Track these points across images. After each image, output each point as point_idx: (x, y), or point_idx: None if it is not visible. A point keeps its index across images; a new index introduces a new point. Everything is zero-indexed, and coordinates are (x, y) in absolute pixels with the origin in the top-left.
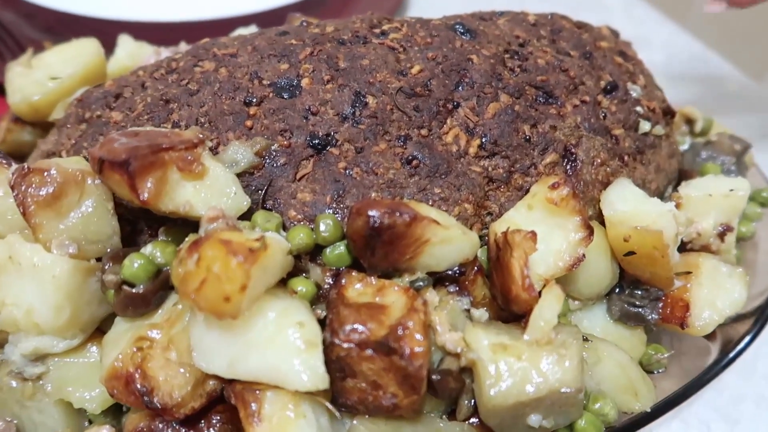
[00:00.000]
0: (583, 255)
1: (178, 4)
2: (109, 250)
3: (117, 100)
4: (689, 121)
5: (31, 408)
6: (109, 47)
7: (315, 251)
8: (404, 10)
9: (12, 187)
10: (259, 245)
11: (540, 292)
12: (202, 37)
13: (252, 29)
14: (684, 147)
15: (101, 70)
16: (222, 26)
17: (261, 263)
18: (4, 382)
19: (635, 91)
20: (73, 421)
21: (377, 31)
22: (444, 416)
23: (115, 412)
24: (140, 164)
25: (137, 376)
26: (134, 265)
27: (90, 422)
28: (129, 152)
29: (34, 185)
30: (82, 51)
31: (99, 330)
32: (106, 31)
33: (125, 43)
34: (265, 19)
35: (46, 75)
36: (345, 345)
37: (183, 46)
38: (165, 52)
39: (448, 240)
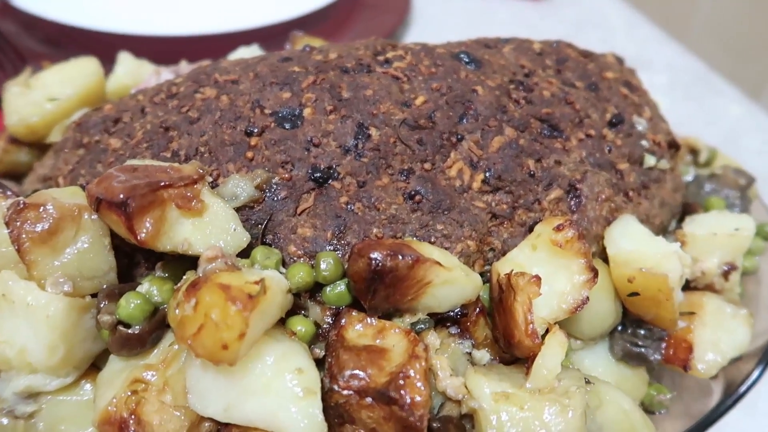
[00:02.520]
0: (587, 298)
1: (180, 19)
2: (105, 286)
3: (116, 125)
4: (693, 152)
5: None
6: (109, 59)
7: (314, 288)
8: (407, 26)
9: (7, 224)
10: (258, 289)
11: (543, 337)
12: (203, 51)
13: (254, 49)
14: (688, 178)
15: (100, 90)
16: (223, 41)
17: (260, 308)
18: None
19: (641, 124)
20: None
21: (381, 58)
22: None
23: None
24: (138, 204)
25: (131, 422)
26: (130, 305)
27: None
28: (127, 192)
29: (29, 221)
30: (81, 71)
31: (93, 366)
32: (107, 43)
33: (125, 61)
34: (267, 34)
35: (44, 96)
36: (344, 392)
37: (184, 65)
38: (165, 73)
39: (450, 281)
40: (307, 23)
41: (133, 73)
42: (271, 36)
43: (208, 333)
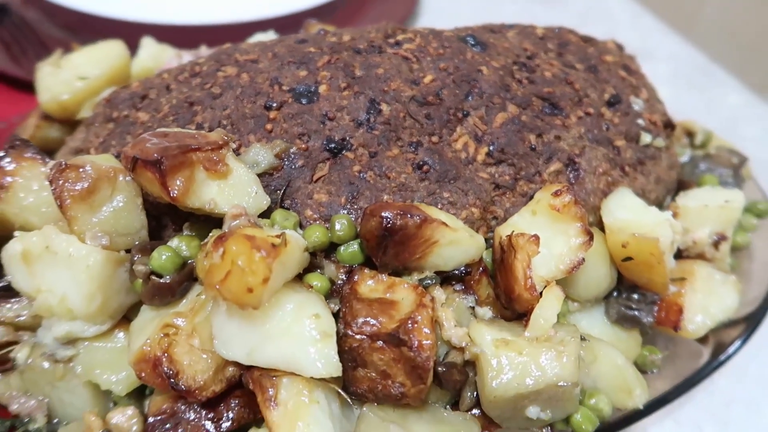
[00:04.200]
0: (583, 259)
1: (198, 8)
2: (137, 242)
3: (143, 101)
4: (689, 134)
5: (61, 388)
6: (128, 47)
7: (329, 249)
8: (416, 17)
9: (50, 182)
10: (280, 241)
11: (541, 293)
12: (221, 41)
13: (270, 35)
14: (684, 159)
15: (126, 71)
16: (240, 30)
17: (281, 258)
18: (36, 364)
19: (637, 104)
20: (99, 402)
21: (392, 41)
22: (448, 407)
23: (138, 396)
24: (171, 163)
25: (164, 359)
26: (162, 257)
27: (114, 404)
28: (161, 152)
29: (70, 180)
30: (109, 52)
31: (125, 318)
32: (125, 32)
33: (148, 45)
34: (282, 23)
35: (74, 75)
36: (357, 336)
37: (204, 50)
38: (186, 56)
39: (455, 242)
40: (319, 14)
41: (155, 56)
42: (284, 27)
43: (235, 278)
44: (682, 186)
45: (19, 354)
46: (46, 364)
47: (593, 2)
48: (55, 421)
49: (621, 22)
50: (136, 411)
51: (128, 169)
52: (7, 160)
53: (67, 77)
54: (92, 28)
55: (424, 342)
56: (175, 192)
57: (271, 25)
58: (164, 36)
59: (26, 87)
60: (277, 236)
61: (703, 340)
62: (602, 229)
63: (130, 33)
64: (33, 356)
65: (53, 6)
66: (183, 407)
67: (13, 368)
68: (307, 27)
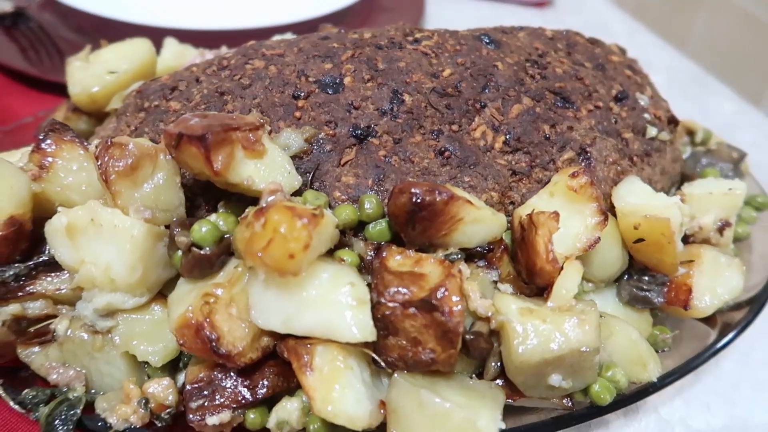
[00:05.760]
0: (599, 238)
1: (214, 14)
2: (174, 218)
3: (173, 92)
4: (690, 133)
5: (99, 359)
6: None
7: (358, 228)
8: (422, 25)
9: (96, 157)
10: (318, 212)
11: (562, 266)
12: (235, 46)
13: (288, 36)
14: (685, 155)
15: (152, 67)
16: (256, 35)
17: (320, 227)
18: (76, 335)
19: (643, 100)
20: (136, 373)
21: (410, 38)
22: (473, 376)
23: (171, 369)
24: (214, 139)
25: (206, 324)
26: (203, 229)
27: (148, 377)
28: (205, 129)
29: (115, 157)
30: (137, 49)
31: (160, 293)
32: (142, 36)
33: (170, 45)
34: (298, 29)
35: (104, 69)
36: (390, 304)
37: (225, 50)
38: (209, 55)
39: (479, 219)
40: (329, 21)
41: (178, 55)
42: (303, 31)
43: (277, 245)
44: (685, 179)
45: (59, 326)
46: (85, 336)
47: (591, 17)
48: (92, 391)
49: (618, 37)
50: (171, 381)
51: (171, 146)
52: (48, 141)
53: (97, 71)
54: (104, 32)
55: (455, 308)
56: (219, 165)
57: (287, 31)
58: (180, 40)
59: (41, 86)
60: (314, 208)
61: (710, 322)
62: (613, 215)
63: (149, 37)
64: (72, 328)
65: (69, 9)
66: (219, 375)
67: (52, 340)
68: (323, 30)
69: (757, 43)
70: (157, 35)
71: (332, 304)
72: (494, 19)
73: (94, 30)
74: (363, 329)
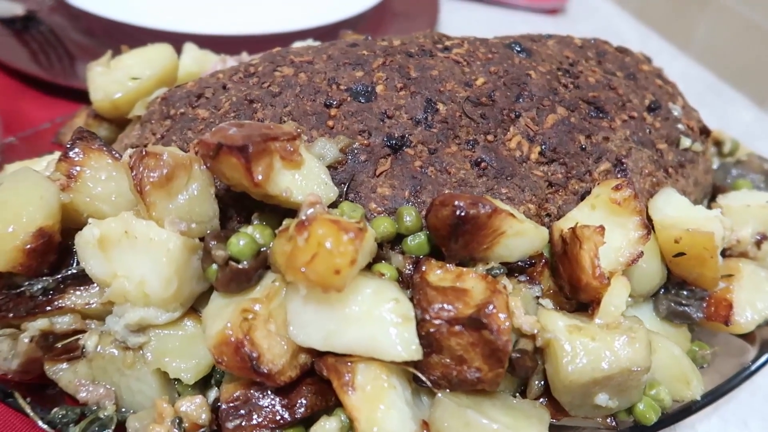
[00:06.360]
0: (641, 252)
1: (232, 19)
2: (208, 231)
3: (199, 99)
4: (717, 143)
5: (130, 376)
6: None
7: (395, 241)
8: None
9: (131, 168)
10: (362, 226)
11: (609, 281)
12: (255, 52)
13: (309, 42)
14: (714, 166)
15: (174, 73)
16: (276, 41)
17: (365, 242)
18: (106, 351)
19: (676, 110)
20: (167, 391)
21: (440, 46)
22: (517, 395)
23: (202, 387)
24: (255, 150)
25: (246, 342)
26: (240, 242)
27: (178, 395)
28: (245, 139)
29: (149, 167)
30: (159, 54)
31: (191, 308)
32: (155, 40)
33: (190, 50)
34: (316, 34)
35: (126, 75)
36: (435, 321)
37: (245, 56)
38: (230, 61)
39: (521, 233)
40: (346, 27)
41: (199, 61)
42: (322, 36)
43: (322, 260)
44: (715, 191)
45: (89, 342)
46: (116, 352)
47: (603, 24)
48: (123, 410)
49: (630, 44)
50: (203, 400)
51: (209, 156)
52: (76, 150)
53: (119, 77)
54: (115, 36)
55: (503, 326)
56: (260, 177)
57: (306, 36)
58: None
59: (51, 89)
60: (358, 222)
61: (748, 338)
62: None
63: (161, 41)
64: (102, 344)
65: (80, 12)
66: (257, 394)
67: (81, 356)
68: (343, 37)
69: (758, 51)
70: (168, 39)
71: (376, 321)
72: (507, 26)
73: (104, 34)
74: (408, 347)
